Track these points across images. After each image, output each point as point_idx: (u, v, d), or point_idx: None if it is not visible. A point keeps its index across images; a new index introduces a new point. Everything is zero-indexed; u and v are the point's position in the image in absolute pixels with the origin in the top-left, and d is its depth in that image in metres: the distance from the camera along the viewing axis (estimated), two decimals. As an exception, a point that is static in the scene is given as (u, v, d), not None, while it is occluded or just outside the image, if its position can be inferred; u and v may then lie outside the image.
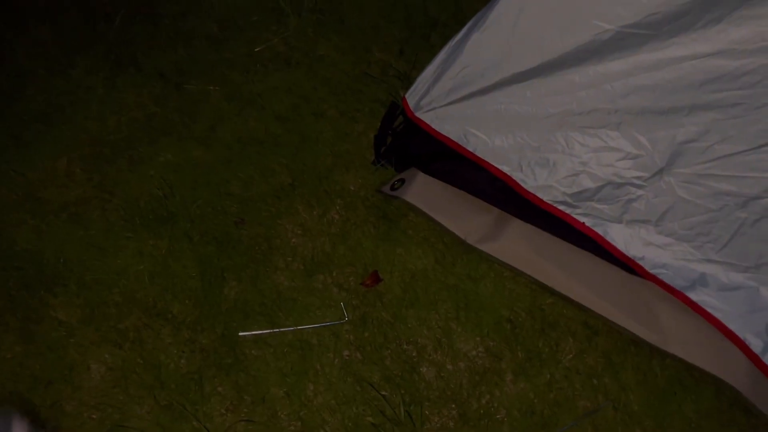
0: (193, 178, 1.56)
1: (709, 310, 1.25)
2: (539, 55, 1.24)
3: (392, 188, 1.54)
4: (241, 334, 1.36)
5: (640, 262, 1.32)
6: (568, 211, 1.37)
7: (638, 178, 1.27)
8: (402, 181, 1.54)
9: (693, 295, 1.27)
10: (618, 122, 1.24)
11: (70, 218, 1.48)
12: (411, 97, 1.50)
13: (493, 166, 1.41)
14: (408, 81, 1.74)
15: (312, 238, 1.50)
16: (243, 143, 1.62)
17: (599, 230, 1.35)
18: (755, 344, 1.22)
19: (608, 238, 1.34)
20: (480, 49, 1.31)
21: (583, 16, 1.15)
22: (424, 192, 1.51)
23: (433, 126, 1.47)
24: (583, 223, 1.36)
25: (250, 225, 1.50)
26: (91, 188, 1.54)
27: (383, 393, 1.31)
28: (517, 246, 1.43)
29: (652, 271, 1.31)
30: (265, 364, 1.33)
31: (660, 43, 1.12)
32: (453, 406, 1.30)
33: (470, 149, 1.43)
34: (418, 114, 1.49)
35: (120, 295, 1.40)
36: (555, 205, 1.37)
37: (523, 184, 1.39)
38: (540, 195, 1.38)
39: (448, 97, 1.42)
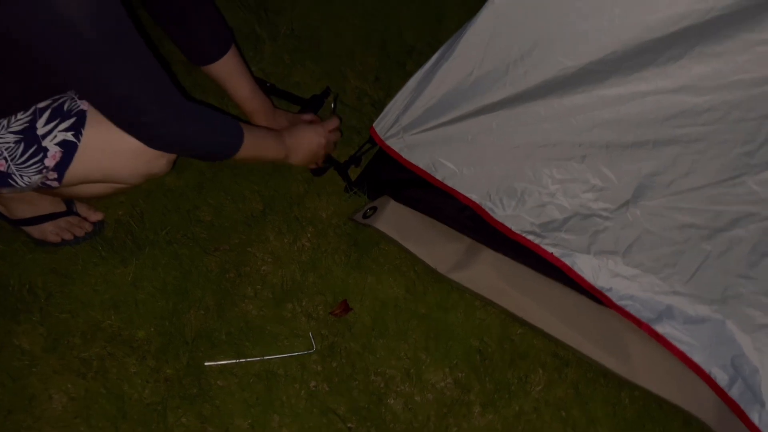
0: (163, 204, 1.55)
1: (674, 342, 1.26)
2: (505, 87, 1.25)
3: (364, 216, 1.54)
4: (207, 364, 1.34)
5: (608, 294, 1.32)
6: (536, 241, 1.37)
7: (605, 209, 1.28)
8: (374, 209, 1.54)
9: (659, 328, 1.27)
10: (583, 155, 1.25)
11: (36, 244, 1.47)
12: (380, 125, 1.51)
13: (462, 194, 1.42)
14: (382, 108, 1.73)
15: (282, 265, 1.49)
16: (215, 169, 1.61)
17: (567, 261, 1.35)
18: (721, 378, 1.22)
19: (576, 269, 1.34)
20: (448, 80, 1.32)
21: (546, 52, 1.16)
22: (395, 220, 1.51)
23: (402, 154, 1.48)
24: (552, 253, 1.36)
25: (220, 252, 1.50)
26: (59, 214, 1.53)
27: (350, 425, 1.29)
28: (487, 275, 1.42)
29: (619, 303, 1.31)
30: (231, 394, 1.31)
31: (623, 78, 1.14)
32: (420, 438, 1.29)
33: (439, 178, 1.44)
34: (387, 142, 1.50)
35: (85, 323, 1.38)
36: (524, 234, 1.37)
37: (492, 213, 1.39)
38: (508, 224, 1.38)
39: (417, 126, 1.42)
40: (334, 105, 1.71)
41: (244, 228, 1.54)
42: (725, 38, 1.02)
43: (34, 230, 1.45)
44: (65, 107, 1.12)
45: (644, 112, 1.15)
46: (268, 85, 1.73)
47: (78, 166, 1.14)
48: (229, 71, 1.48)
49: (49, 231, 1.46)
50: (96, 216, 1.52)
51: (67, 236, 1.47)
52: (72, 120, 1.12)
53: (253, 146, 1.30)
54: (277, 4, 1.99)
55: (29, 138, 1.10)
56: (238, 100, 1.54)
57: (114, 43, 0.95)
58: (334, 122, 1.61)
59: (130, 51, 1.00)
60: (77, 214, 1.51)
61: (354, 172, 1.64)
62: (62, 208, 1.49)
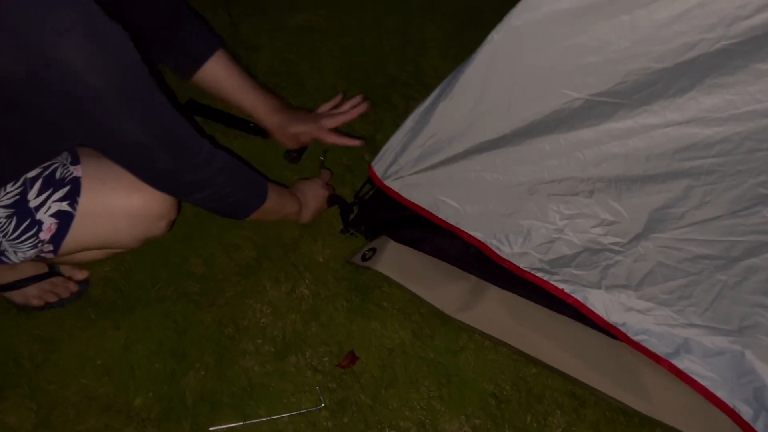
0: (151, 258, 1.48)
1: (695, 377, 1.23)
2: (507, 123, 1.21)
3: (363, 258, 1.49)
4: (210, 429, 1.27)
5: (622, 328, 1.29)
6: (545, 277, 1.33)
7: (615, 243, 1.25)
8: (373, 250, 1.49)
9: (678, 362, 1.24)
10: (591, 190, 1.22)
11: (19, 309, 1.38)
12: (378, 165, 1.46)
13: (466, 233, 1.38)
14: (373, 143, 1.70)
15: (282, 316, 1.43)
16: (202, 218, 1.55)
17: (578, 296, 1.32)
18: (745, 412, 1.19)
19: (588, 305, 1.31)
20: (447, 118, 1.28)
21: (550, 85, 1.13)
22: (396, 261, 1.46)
23: (402, 194, 1.44)
24: (562, 289, 1.32)
25: (215, 306, 1.43)
26: (41, 275, 1.44)
27: (367, 484, 1.24)
28: (496, 314, 1.38)
29: (635, 338, 1.28)
30: (239, 460, 1.24)
31: (630, 111, 1.11)
32: (441, 492, 1.24)
33: (442, 217, 1.40)
34: (386, 182, 1.45)
35: (77, 393, 1.30)
36: (532, 272, 1.33)
37: (497, 251, 1.35)
38: (516, 262, 1.34)
39: (416, 166, 1.38)
40: (324, 158, 1.66)
41: (238, 279, 1.48)
42: (736, 69, 1.00)
43: (16, 295, 1.37)
44: (57, 175, 1.06)
45: (654, 146, 1.12)
46: (251, 125, 1.68)
47: (75, 236, 1.08)
48: (223, 70, 1.44)
49: (32, 295, 1.38)
50: (81, 275, 1.44)
51: (51, 298, 1.39)
52: (66, 188, 1.06)
53: (275, 201, 1.27)
54: (254, 41, 1.94)
55: (22, 211, 1.03)
56: (239, 101, 1.49)
57: (122, 90, 0.89)
58: (327, 174, 1.60)
59: (144, 96, 0.94)
60: (60, 274, 1.43)
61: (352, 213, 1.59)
62: (44, 269, 1.41)
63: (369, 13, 2.04)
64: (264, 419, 1.29)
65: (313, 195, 1.48)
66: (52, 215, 1.06)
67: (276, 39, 1.93)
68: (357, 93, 1.84)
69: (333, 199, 1.56)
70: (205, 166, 1.07)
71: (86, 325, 1.38)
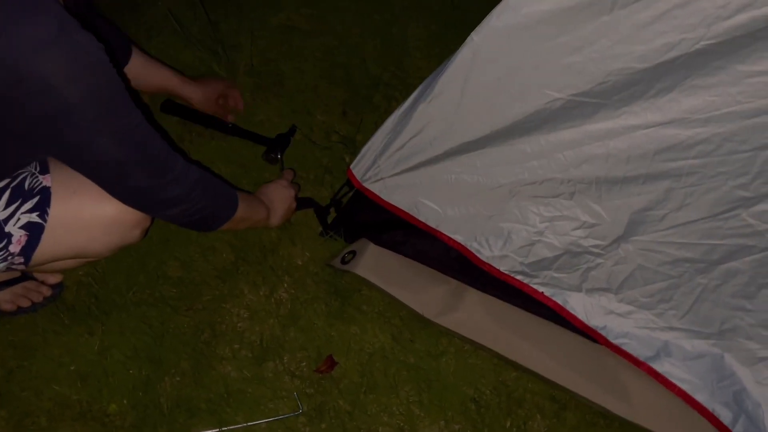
0: (127, 262, 1.45)
1: (675, 381, 1.22)
2: (488, 124, 1.19)
3: (343, 261, 1.47)
4: (186, 436, 1.25)
5: (602, 332, 1.28)
6: (525, 281, 1.32)
7: (596, 246, 1.24)
8: (353, 253, 1.47)
9: (658, 366, 1.23)
10: (572, 191, 1.21)
11: (-10, 315, 1.35)
12: (357, 167, 1.44)
13: (447, 235, 1.36)
14: (353, 145, 1.68)
15: (260, 321, 1.41)
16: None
17: (559, 299, 1.31)
18: (725, 415, 1.19)
19: (568, 308, 1.30)
20: (428, 119, 1.26)
21: (531, 86, 1.12)
22: (376, 264, 1.44)
23: (382, 196, 1.42)
24: (542, 292, 1.31)
25: (192, 311, 1.40)
26: (13, 280, 1.41)
27: (345, 491, 1.22)
28: (476, 318, 1.37)
29: (614, 342, 1.27)
30: (215, 468, 1.22)
31: (612, 112, 1.10)
32: (420, 499, 1.22)
33: (422, 219, 1.38)
34: (365, 184, 1.43)
35: (50, 400, 1.27)
36: (512, 275, 1.32)
37: (478, 254, 1.34)
38: (496, 265, 1.33)
39: (396, 167, 1.36)
40: (281, 156, 1.63)
41: (216, 282, 1.45)
42: (716, 69, 0.99)
43: None
44: (26, 185, 1.03)
45: (634, 147, 1.11)
46: (229, 125, 1.65)
47: (46, 247, 1.05)
48: (142, 67, 1.50)
49: (4, 300, 1.34)
50: (54, 279, 1.41)
51: (24, 303, 1.35)
52: (36, 199, 1.03)
53: (245, 210, 1.25)
54: (233, 39, 1.91)
55: None
56: (163, 86, 1.58)
57: (99, 107, 0.87)
58: (290, 173, 1.58)
59: (119, 114, 0.92)
60: (33, 278, 1.40)
61: (330, 215, 1.57)
62: (17, 273, 1.37)
63: (351, 12, 2.02)
64: (241, 425, 1.26)
65: (279, 197, 1.45)
66: (21, 227, 1.02)
67: (257, 38, 1.90)
68: (338, 93, 1.83)
69: (304, 203, 1.54)
70: (179, 182, 1.04)
71: (60, 330, 1.35)
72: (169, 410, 1.27)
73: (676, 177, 1.11)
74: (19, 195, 1.02)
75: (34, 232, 1.04)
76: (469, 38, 1.13)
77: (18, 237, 1.02)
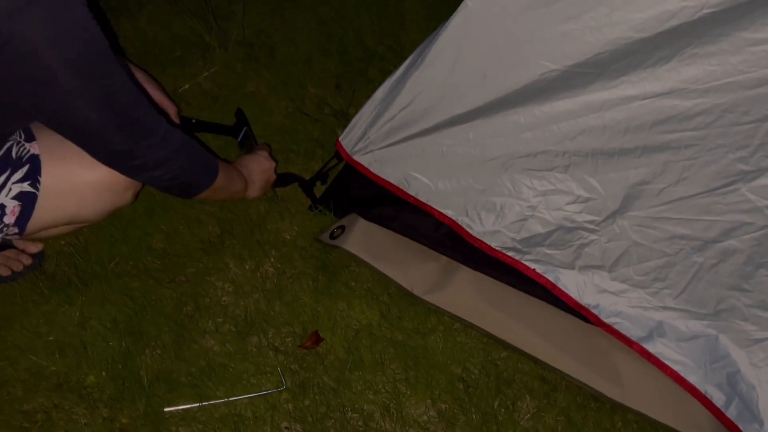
0: (109, 232, 1.42)
1: (667, 362, 1.18)
2: (481, 95, 1.16)
3: (332, 236, 1.43)
4: (166, 410, 1.21)
5: (594, 311, 1.25)
6: (517, 257, 1.28)
7: (590, 222, 1.20)
8: (342, 228, 1.43)
9: (650, 347, 1.20)
10: (566, 164, 1.17)
11: (-32, 284, 1.32)
12: (347, 139, 1.40)
13: (437, 210, 1.33)
14: (345, 118, 1.64)
15: (244, 295, 1.37)
16: (166, 191, 1.48)
17: (550, 277, 1.27)
18: (717, 398, 1.16)
19: (560, 285, 1.27)
20: (419, 89, 1.22)
21: (526, 55, 1.08)
22: (365, 240, 1.41)
23: (372, 169, 1.38)
24: (534, 269, 1.28)
25: (175, 283, 1.37)
26: (-8, 247, 1.38)
27: (327, 469, 1.19)
28: (466, 296, 1.33)
29: (607, 321, 1.23)
30: (194, 443, 1.19)
31: (608, 83, 1.06)
32: (404, 478, 1.19)
33: (412, 193, 1.34)
34: (355, 157, 1.39)
35: (26, 370, 1.24)
36: (503, 251, 1.29)
37: (469, 230, 1.30)
38: (487, 241, 1.29)
39: (387, 139, 1.32)
40: (252, 134, 1.57)
41: (200, 255, 1.42)
42: (718, 37, 0.95)
43: None
44: (14, 154, 1.00)
45: (631, 118, 1.07)
46: (193, 121, 1.56)
47: (40, 216, 1.04)
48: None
49: None
50: (35, 248, 1.37)
51: (4, 272, 1.32)
52: (25, 168, 1.01)
53: (223, 180, 1.21)
54: (225, 9, 1.87)
55: None
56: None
57: (83, 69, 0.84)
58: (266, 147, 1.52)
59: (102, 76, 0.88)
60: (13, 247, 1.36)
61: (318, 189, 1.53)
62: (-4, 242, 1.34)
63: (347, -16, 1.97)
64: (222, 401, 1.23)
65: (259, 169, 1.40)
66: (14, 197, 1.00)
67: (249, 8, 1.86)
68: (332, 66, 1.78)
69: (287, 178, 1.49)
70: (162, 146, 1.01)
71: (39, 300, 1.32)
72: (148, 383, 1.24)
73: (674, 149, 1.07)
74: (7, 164, 1.00)
75: (27, 201, 1.02)
76: (463, 3, 1.10)
77: (12, 207, 1.01)
